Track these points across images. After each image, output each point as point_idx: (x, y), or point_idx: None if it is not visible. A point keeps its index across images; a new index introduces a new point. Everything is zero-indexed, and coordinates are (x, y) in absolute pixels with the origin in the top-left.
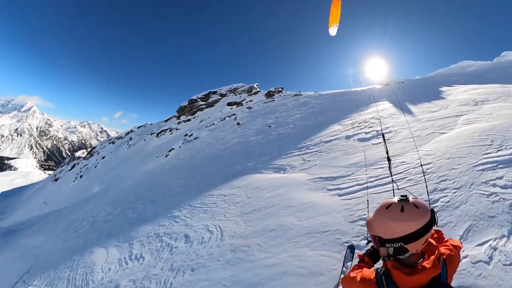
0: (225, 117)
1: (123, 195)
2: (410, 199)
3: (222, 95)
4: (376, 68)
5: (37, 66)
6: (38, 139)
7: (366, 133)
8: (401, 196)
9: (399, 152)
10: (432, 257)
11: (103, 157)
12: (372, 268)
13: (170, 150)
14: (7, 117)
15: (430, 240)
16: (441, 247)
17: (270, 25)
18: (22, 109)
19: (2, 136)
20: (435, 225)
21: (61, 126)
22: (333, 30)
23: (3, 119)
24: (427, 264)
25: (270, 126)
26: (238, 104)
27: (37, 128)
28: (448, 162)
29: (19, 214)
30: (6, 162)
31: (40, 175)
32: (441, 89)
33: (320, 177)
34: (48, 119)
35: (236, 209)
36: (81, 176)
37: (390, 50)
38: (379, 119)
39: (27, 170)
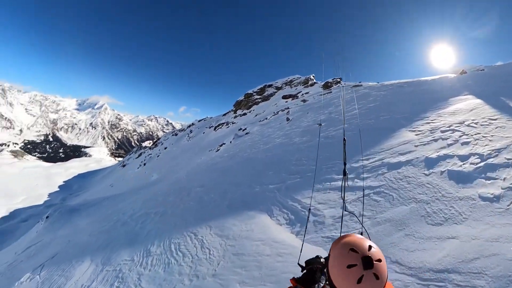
0: (278, 111)
1: (155, 195)
2: (374, 260)
3: (278, 88)
4: (445, 54)
5: (107, 69)
6: (109, 131)
7: (461, 159)
8: (366, 259)
9: None
10: None
11: (165, 148)
12: None
13: (221, 145)
14: (83, 113)
15: None
16: None
17: (326, 10)
18: (95, 107)
19: (80, 129)
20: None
21: (130, 120)
22: None
23: (80, 115)
24: None
25: (320, 124)
26: (293, 97)
27: (108, 122)
28: None
29: (89, 193)
30: (82, 150)
31: (110, 161)
32: None
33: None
34: (118, 114)
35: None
36: (144, 164)
37: (461, 33)
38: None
39: (100, 157)
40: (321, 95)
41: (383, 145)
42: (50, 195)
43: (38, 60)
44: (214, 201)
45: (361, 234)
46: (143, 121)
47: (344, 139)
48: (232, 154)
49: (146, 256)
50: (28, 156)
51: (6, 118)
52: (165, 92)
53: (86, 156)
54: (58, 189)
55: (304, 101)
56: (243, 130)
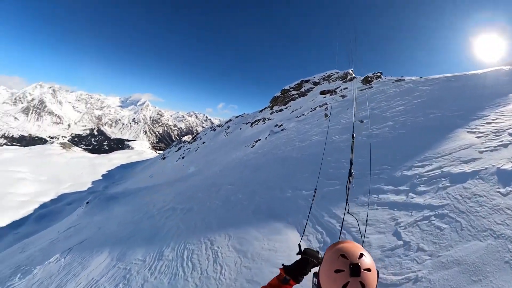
0: (316, 107)
1: (187, 189)
2: (362, 269)
3: (315, 83)
4: (494, 44)
5: (149, 68)
6: (151, 126)
7: None
8: (354, 267)
9: None
10: None
11: (204, 143)
12: None
13: (256, 141)
14: (126, 110)
15: None
16: None
17: (366, 2)
18: (138, 104)
19: (123, 124)
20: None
21: (171, 116)
22: None
23: (123, 112)
24: None
25: (362, 121)
26: (332, 92)
27: (150, 117)
28: None
29: (129, 182)
30: (125, 143)
31: (151, 154)
32: None
33: None
34: (159, 111)
35: None
36: (183, 157)
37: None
38: None
39: (141, 150)
40: (361, 90)
41: (439, 148)
42: (93, 183)
43: (84, 63)
44: (240, 203)
45: (363, 243)
46: (183, 117)
47: (352, 136)
48: (266, 151)
49: (157, 259)
50: (75, 148)
51: (56, 114)
52: (204, 89)
53: (128, 149)
54: (101, 178)
55: (343, 96)
56: (279, 127)
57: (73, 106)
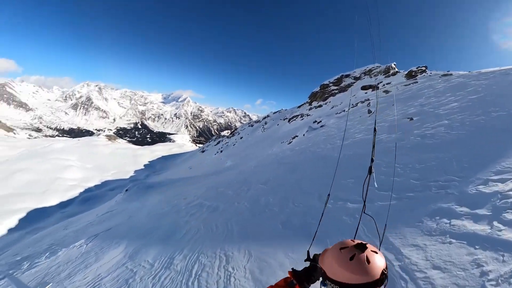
0: (357, 103)
1: (219, 183)
2: (369, 249)
3: (356, 78)
4: None
5: (189, 66)
6: (192, 121)
7: None
8: (360, 242)
9: None
10: None
11: (241, 138)
12: None
13: (294, 137)
14: (168, 106)
15: None
16: None
17: None
18: (179, 100)
19: (165, 118)
20: None
21: (211, 111)
22: None
23: (165, 107)
24: None
25: (411, 119)
26: (374, 87)
27: (191, 113)
28: None
29: (169, 173)
30: (167, 136)
31: (191, 147)
32: None
33: None
34: (200, 107)
35: None
36: (221, 151)
37: None
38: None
39: (182, 143)
40: (405, 85)
41: None
42: (135, 171)
43: (128, 63)
44: (270, 208)
45: (380, 245)
46: (223, 112)
47: (374, 129)
48: (304, 148)
49: (166, 267)
50: (120, 140)
51: (102, 110)
52: (243, 85)
53: (170, 142)
54: (143, 168)
55: (386, 91)
56: (318, 123)
57: (118, 102)
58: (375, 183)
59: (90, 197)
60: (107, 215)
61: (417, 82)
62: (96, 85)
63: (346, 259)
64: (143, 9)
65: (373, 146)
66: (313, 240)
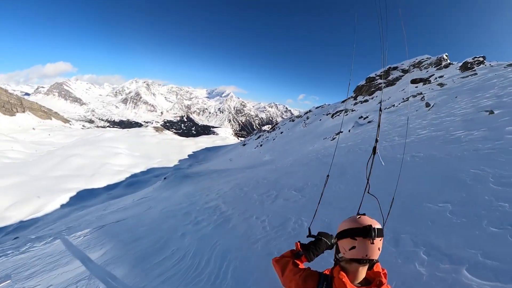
0: (408, 97)
1: (249, 180)
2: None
3: (404, 71)
4: None
5: (233, 62)
6: (234, 115)
7: None
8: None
9: None
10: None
11: (282, 132)
12: (316, 272)
13: (337, 133)
14: (213, 100)
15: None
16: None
17: None
18: (223, 95)
19: (209, 112)
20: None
21: (253, 106)
22: None
23: (210, 102)
24: None
25: (491, 112)
26: (425, 80)
27: (234, 108)
28: None
29: (210, 163)
30: (211, 129)
31: (233, 140)
32: None
33: None
34: (242, 102)
35: None
36: (261, 145)
37: None
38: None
39: (225, 136)
40: (463, 77)
41: None
42: (179, 161)
43: (174, 60)
44: (298, 232)
45: (384, 223)
46: (264, 107)
47: (380, 109)
48: (351, 146)
49: None
50: (166, 131)
51: (150, 104)
52: (285, 81)
53: (213, 134)
54: (187, 157)
55: (441, 85)
56: (365, 118)
57: (165, 97)
58: (382, 162)
59: (135, 182)
60: (140, 201)
61: (476, 73)
62: (144, 82)
63: (350, 217)
64: (187, 10)
65: (378, 126)
66: (313, 217)
